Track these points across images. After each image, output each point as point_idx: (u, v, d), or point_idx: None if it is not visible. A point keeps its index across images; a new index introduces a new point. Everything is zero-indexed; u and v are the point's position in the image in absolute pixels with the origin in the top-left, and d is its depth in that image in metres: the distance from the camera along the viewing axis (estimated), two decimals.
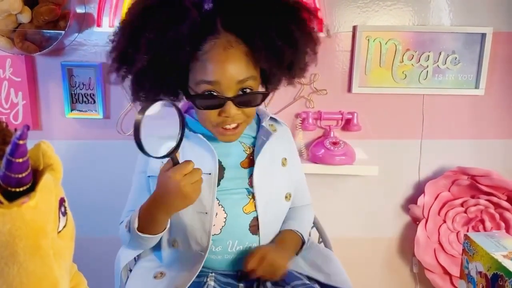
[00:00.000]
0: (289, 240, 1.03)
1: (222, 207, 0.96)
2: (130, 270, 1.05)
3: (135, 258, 1.05)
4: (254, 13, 0.86)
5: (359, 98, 1.58)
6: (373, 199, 1.69)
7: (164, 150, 0.77)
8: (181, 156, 0.94)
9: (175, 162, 0.80)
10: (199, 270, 0.92)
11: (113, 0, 1.46)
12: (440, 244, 1.63)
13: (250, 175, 0.99)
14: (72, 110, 1.56)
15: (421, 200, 1.62)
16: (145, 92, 0.94)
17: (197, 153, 0.95)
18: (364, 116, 1.60)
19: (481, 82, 1.55)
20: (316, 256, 1.07)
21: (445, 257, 1.62)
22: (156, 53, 0.85)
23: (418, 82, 1.57)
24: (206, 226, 0.94)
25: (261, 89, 0.98)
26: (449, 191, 1.61)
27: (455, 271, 1.59)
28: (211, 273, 0.97)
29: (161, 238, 0.99)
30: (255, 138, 1.04)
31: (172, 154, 0.78)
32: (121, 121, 1.59)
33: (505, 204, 1.54)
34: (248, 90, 0.89)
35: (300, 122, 1.57)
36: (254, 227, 0.98)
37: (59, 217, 0.50)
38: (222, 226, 0.96)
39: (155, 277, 0.97)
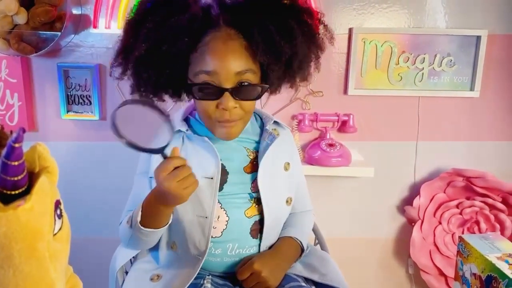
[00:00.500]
0: (288, 249, 1.03)
1: (224, 210, 0.96)
2: (126, 272, 1.05)
3: (130, 260, 1.05)
4: (255, 9, 0.88)
5: (355, 100, 1.59)
6: (368, 200, 1.70)
7: (155, 145, 0.77)
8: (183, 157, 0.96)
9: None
10: (195, 274, 0.92)
11: (110, 2, 1.47)
12: (435, 245, 1.64)
13: (253, 180, 0.98)
14: (68, 111, 1.56)
15: (416, 201, 1.63)
16: (144, 84, 0.94)
17: (200, 156, 0.95)
18: (360, 118, 1.60)
19: (476, 84, 1.56)
20: (312, 258, 1.07)
21: (440, 258, 1.63)
22: (154, 42, 0.86)
23: (414, 84, 1.58)
24: (205, 230, 0.94)
25: None
26: (444, 192, 1.62)
27: (450, 272, 1.60)
28: (208, 275, 0.97)
29: (159, 239, 0.99)
30: (258, 142, 1.03)
31: (159, 152, 0.77)
32: None
33: (500, 205, 1.55)
34: (245, 83, 0.90)
35: (296, 123, 1.58)
36: (255, 231, 0.98)
37: (55, 220, 0.50)
38: (224, 229, 0.96)
39: (151, 279, 0.96)
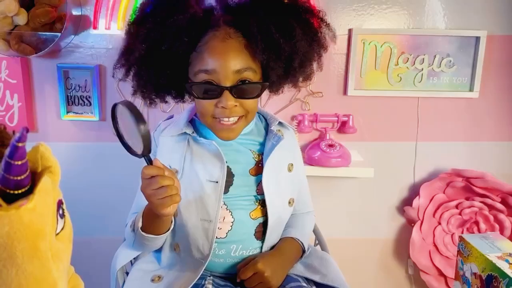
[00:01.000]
0: (290, 250, 1.03)
1: (230, 211, 0.96)
2: (127, 273, 1.05)
3: (131, 261, 1.05)
4: (254, 8, 0.88)
5: (355, 101, 1.59)
6: (368, 201, 1.70)
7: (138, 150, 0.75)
8: (189, 163, 0.96)
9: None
10: (197, 278, 0.92)
11: (110, 3, 1.47)
12: (435, 245, 1.64)
13: (258, 183, 0.98)
14: (68, 112, 1.57)
15: (416, 202, 1.63)
16: (145, 85, 0.95)
17: (206, 160, 0.95)
18: (360, 118, 1.61)
19: (475, 84, 1.57)
20: (313, 259, 1.07)
21: (440, 258, 1.64)
22: (154, 42, 0.87)
23: (413, 85, 1.58)
24: (209, 234, 0.93)
25: None
26: (444, 193, 1.63)
27: (450, 272, 1.60)
28: (209, 276, 0.97)
29: None
30: (263, 144, 1.03)
31: (140, 156, 0.76)
32: None
33: (499, 206, 1.55)
34: (246, 82, 0.89)
35: (296, 124, 1.58)
36: (259, 233, 0.99)
37: (57, 219, 0.50)
38: (228, 230, 0.96)
39: (152, 280, 0.96)
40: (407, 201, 1.70)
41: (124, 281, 1.00)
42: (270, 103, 1.55)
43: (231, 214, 0.96)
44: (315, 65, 1.01)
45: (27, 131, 0.40)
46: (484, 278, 0.71)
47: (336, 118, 1.58)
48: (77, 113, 1.57)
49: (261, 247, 0.99)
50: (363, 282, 1.78)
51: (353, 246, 1.74)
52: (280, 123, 1.06)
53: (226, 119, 0.91)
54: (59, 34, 1.39)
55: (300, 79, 1.02)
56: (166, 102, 1.01)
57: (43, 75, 1.56)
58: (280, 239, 1.04)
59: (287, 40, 0.89)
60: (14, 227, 0.44)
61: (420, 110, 1.62)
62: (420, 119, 1.63)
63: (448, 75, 1.58)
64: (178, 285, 0.91)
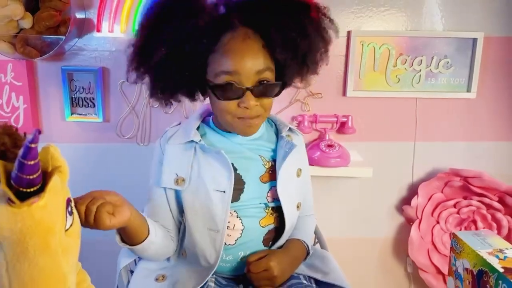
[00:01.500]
0: (298, 251, 1.03)
1: (240, 219, 0.97)
2: (131, 271, 1.06)
3: (134, 260, 1.06)
4: (269, 9, 0.89)
5: (354, 102, 1.61)
6: (367, 200, 1.72)
7: None
8: (197, 171, 0.95)
9: None
10: (201, 284, 0.92)
11: (113, 6, 1.49)
12: (433, 244, 1.66)
13: (269, 190, 0.99)
14: (72, 113, 1.59)
15: (414, 201, 1.65)
16: (163, 88, 0.94)
17: (213, 169, 0.95)
18: (359, 119, 1.63)
19: (472, 85, 1.58)
20: (314, 257, 1.08)
21: (438, 257, 1.65)
22: (174, 45, 0.87)
23: (411, 86, 1.60)
24: (216, 244, 0.94)
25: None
26: (442, 192, 1.64)
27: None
28: (213, 275, 0.98)
29: None
30: (274, 150, 1.04)
31: None
32: (120, 124, 1.61)
33: (497, 205, 1.57)
34: (265, 82, 0.90)
35: (296, 125, 1.60)
36: (267, 240, 1.00)
37: (66, 216, 0.53)
38: (238, 238, 0.97)
39: (156, 279, 0.97)
40: (406, 200, 1.72)
41: (129, 280, 1.02)
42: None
43: (241, 222, 0.97)
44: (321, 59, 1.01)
45: (40, 133, 0.43)
46: (475, 273, 0.74)
47: (336, 119, 1.60)
48: (81, 114, 1.59)
49: None
50: (363, 280, 1.80)
51: (353, 245, 1.76)
52: (290, 129, 1.07)
53: (247, 117, 0.92)
54: (63, 37, 1.42)
55: (309, 73, 1.02)
56: (179, 101, 1.00)
57: (48, 77, 1.58)
58: (287, 240, 1.04)
59: (303, 39, 0.91)
60: (26, 223, 0.47)
61: (418, 110, 1.64)
62: (418, 120, 1.65)
63: (445, 76, 1.60)
64: (182, 287, 0.92)
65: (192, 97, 1.00)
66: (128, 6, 1.50)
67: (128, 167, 1.65)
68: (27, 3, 1.40)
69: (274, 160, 1.02)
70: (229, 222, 0.96)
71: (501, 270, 0.68)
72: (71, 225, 0.54)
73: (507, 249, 0.75)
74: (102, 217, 0.74)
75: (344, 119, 1.60)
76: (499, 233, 1.58)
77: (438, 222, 1.64)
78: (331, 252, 1.16)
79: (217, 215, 0.93)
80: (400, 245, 1.76)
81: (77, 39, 1.53)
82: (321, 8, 0.95)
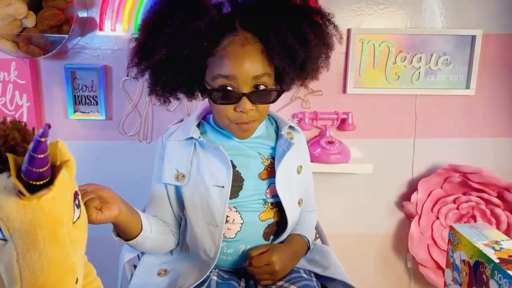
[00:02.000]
0: (299, 246, 1.04)
1: (239, 213, 0.98)
2: (135, 266, 1.08)
3: (138, 255, 1.08)
4: (270, 13, 0.89)
5: (354, 99, 1.63)
6: (367, 196, 1.74)
7: None
8: (196, 167, 0.97)
9: None
10: (203, 278, 0.94)
11: (115, 5, 1.51)
12: (433, 239, 1.67)
13: (268, 187, 1.00)
14: (75, 111, 1.60)
15: (414, 197, 1.66)
16: (162, 86, 0.95)
17: (212, 165, 0.96)
18: (359, 116, 1.64)
19: (471, 82, 1.60)
20: (314, 252, 1.09)
21: (438, 252, 1.66)
22: (175, 47, 0.87)
23: (411, 83, 1.61)
24: (215, 238, 0.96)
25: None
26: (441, 188, 1.65)
27: None
28: (215, 269, 1.00)
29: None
30: (273, 148, 1.04)
31: None
32: (123, 122, 1.63)
33: (496, 200, 1.58)
34: (262, 87, 0.90)
35: (297, 122, 1.62)
36: (267, 234, 1.01)
37: (74, 209, 0.55)
38: (238, 231, 0.98)
39: (158, 274, 0.99)
40: (406, 196, 1.73)
41: (132, 274, 1.03)
42: None
43: (240, 216, 0.98)
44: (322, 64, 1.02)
45: (49, 127, 0.44)
46: (472, 264, 0.75)
47: (336, 116, 1.62)
48: (84, 112, 1.61)
49: None
50: (363, 275, 1.81)
51: (353, 241, 1.78)
52: (290, 127, 1.08)
53: (243, 122, 0.93)
54: (66, 36, 1.43)
55: (309, 78, 1.03)
56: (178, 99, 1.02)
57: (51, 75, 1.60)
58: (289, 235, 1.05)
59: (302, 46, 0.91)
60: (36, 215, 0.49)
61: (418, 107, 1.65)
62: (418, 116, 1.66)
63: (445, 73, 1.61)
64: (183, 281, 0.94)
65: (191, 96, 1.02)
66: (130, 5, 1.51)
67: (130, 165, 1.67)
68: (30, 2, 1.42)
69: (273, 158, 1.03)
70: (228, 216, 0.97)
71: (497, 261, 0.70)
72: (78, 217, 0.56)
73: (503, 240, 0.76)
74: (89, 212, 0.76)
75: (344, 116, 1.61)
76: (498, 228, 1.59)
77: (437, 218, 1.65)
78: (332, 247, 1.17)
79: (216, 209, 0.95)
80: (400, 240, 1.78)
81: (79, 37, 1.55)
82: (325, 14, 0.95)
